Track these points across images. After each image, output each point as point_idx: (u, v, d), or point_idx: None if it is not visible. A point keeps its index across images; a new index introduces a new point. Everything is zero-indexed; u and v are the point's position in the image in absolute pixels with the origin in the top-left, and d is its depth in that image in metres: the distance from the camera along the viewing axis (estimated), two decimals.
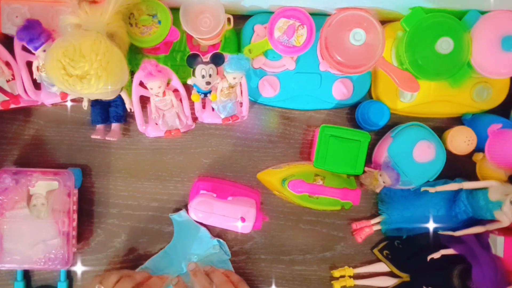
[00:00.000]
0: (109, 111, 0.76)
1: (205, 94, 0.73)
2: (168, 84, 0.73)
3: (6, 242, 0.74)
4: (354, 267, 0.83)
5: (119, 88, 0.71)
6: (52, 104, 0.77)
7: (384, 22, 0.79)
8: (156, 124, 0.75)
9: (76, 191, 0.78)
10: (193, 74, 0.70)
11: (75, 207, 0.77)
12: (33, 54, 0.71)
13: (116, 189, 0.81)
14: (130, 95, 0.73)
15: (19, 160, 0.80)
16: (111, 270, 0.67)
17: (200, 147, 0.82)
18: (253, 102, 0.81)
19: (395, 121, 0.81)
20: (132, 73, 0.74)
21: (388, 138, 0.80)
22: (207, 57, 0.69)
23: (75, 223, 0.77)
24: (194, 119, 0.78)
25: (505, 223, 0.73)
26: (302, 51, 0.74)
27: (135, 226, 0.82)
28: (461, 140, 0.78)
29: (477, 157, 0.80)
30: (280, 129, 0.83)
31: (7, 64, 0.72)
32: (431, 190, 0.76)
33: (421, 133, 0.78)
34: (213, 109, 0.76)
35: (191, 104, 0.75)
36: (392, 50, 0.78)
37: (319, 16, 0.75)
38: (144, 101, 0.75)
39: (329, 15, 0.75)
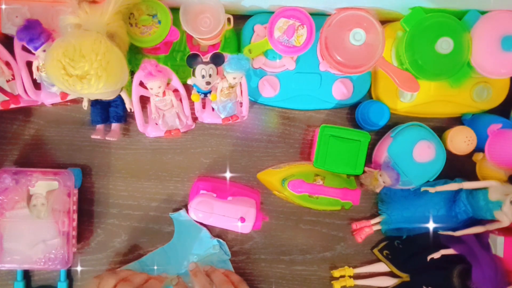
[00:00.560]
0: (109, 111, 0.76)
1: (205, 94, 0.73)
2: (168, 84, 0.73)
3: (6, 242, 0.74)
4: (354, 267, 0.83)
5: (119, 88, 0.71)
6: (52, 104, 0.77)
7: (384, 22, 0.79)
8: (156, 124, 0.75)
9: (76, 191, 0.78)
10: (193, 74, 0.70)
11: (75, 207, 0.77)
12: (33, 54, 0.71)
13: (116, 189, 0.81)
14: (130, 95, 0.73)
15: (19, 160, 0.80)
16: (110, 271, 0.67)
17: (200, 147, 0.82)
18: (253, 102, 0.81)
19: (395, 121, 0.81)
20: (132, 73, 0.74)
21: (388, 138, 0.80)
22: (207, 57, 0.69)
23: (75, 223, 0.77)
24: (194, 119, 0.78)
25: (505, 223, 0.73)
26: (302, 51, 0.74)
27: (135, 226, 0.82)
28: (461, 140, 0.78)
29: (477, 157, 0.80)
30: (280, 129, 0.83)
31: (7, 64, 0.72)
32: (431, 190, 0.76)
33: (421, 133, 0.78)
34: (213, 109, 0.76)
35: (191, 104, 0.75)
36: (392, 50, 0.78)
37: (319, 16, 0.75)
38: (144, 101, 0.75)
39: (329, 15, 0.75)
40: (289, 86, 0.80)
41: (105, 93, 0.69)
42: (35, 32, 0.68)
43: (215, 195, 0.77)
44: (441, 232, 0.78)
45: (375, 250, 0.83)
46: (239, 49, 0.79)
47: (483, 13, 0.74)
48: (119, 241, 0.82)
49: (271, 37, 0.74)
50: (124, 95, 0.74)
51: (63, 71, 0.62)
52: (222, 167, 0.82)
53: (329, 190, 0.78)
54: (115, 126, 0.77)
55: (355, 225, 0.83)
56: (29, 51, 0.71)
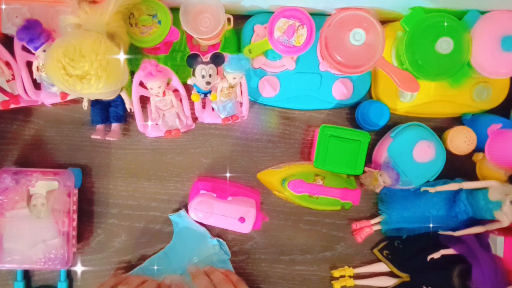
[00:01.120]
0: (109, 111, 0.76)
1: (205, 94, 0.73)
2: (168, 84, 0.73)
3: (6, 242, 0.74)
4: (354, 267, 0.83)
5: (119, 88, 0.71)
6: (52, 104, 0.77)
7: (384, 22, 0.79)
8: (156, 124, 0.75)
9: (76, 191, 0.78)
10: (193, 74, 0.70)
11: (75, 207, 0.77)
12: (33, 54, 0.71)
13: (116, 189, 0.81)
14: (130, 95, 0.73)
15: (19, 160, 0.80)
16: (104, 283, 0.67)
17: (200, 147, 0.82)
18: (253, 102, 0.81)
19: (395, 121, 0.81)
20: (132, 73, 0.74)
21: (388, 138, 0.80)
22: (207, 57, 0.69)
23: (75, 223, 0.77)
24: (194, 119, 0.78)
25: (505, 223, 0.73)
26: (302, 51, 0.74)
27: (135, 226, 0.82)
28: (461, 140, 0.78)
29: (477, 157, 0.80)
30: (280, 129, 0.83)
31: (7, 64, 0.72)
32: (431, 190, 0.76)
33: (421, 133, 0.78)
34: (213, 109, 0.76)
35: (191, 104, 0.75)
36: (392, 50, 0.78)
37: (319, 16, 0.75)
38: (144, 101, 0.75)
39: (329, 15, 0.75)
40: (289, 86, 0.80)
41: (105, 93, 0.69)
42: (35, 32, 0.68)
43: (215, 195, 0.77)
44: (441, 232, 0.78)
45: (375, 250, 0.83)
46: (239, 49, 0.79)
47: (483, 13, 0.74)
48: (119, 241, 0.82)
49: (271, 37, 0.74)
50: (124, 95, 0.74)
51: (63, 71, 0.62)
52: (222, 167, 0.82)
53: (329, 190, 0.78)
54: (115, 126, 0.77)
55: (355, 225, 0.83)
56: (29, 51, 0.71)
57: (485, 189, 0.75)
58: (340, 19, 0.72)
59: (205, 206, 0.76)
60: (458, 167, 0.81)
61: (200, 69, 0.69)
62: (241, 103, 0.76)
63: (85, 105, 0.73)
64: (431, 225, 0.79)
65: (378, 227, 0.82)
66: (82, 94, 0.67)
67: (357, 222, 0.83)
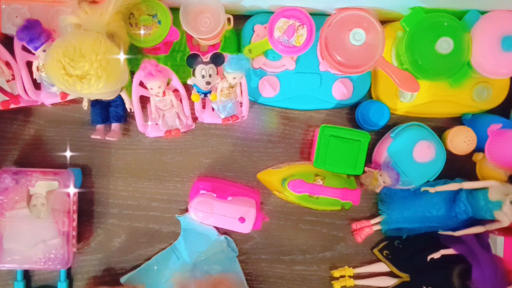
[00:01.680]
0: (109, 111, 0.76)
1: (205, 94, 0.73)
2: (168, 84, 0.73)
3: (6, 242, 0.74)
4: (354, 267, 0.83)
5: (119, 88, 0.71)
6: (52, 104, 0.77)
7: (384, 22, 0.79)
8: (156, 124, 0.75)
9: (76, 191, 0.78)
10: (193, 74, 0.70)
11: (75, 207, 0.77)
12: (33, 54, 0.71)
13: (116, 189, 0.81)
14: (130, 95, 0.73)
15: (19, 160, 0.80)
16: None
17: (200, 147, 0.82)
18: (253, 102, 0.81)
19: (395, 121, 0.81)
20: (132, 73, 0.74)
21: (388, 138, 0.80)
22: (207, 57, 0.69)
23: (75, 223, 0.77)
24: (194, 119, 0.78)
25: (505, 223, 0.73)
26: (302, 51, 0.74)
27: (135, 226, 0.82)
28: (461, 140, 0.78)
29: (477, 157, 0.80)
30: (280, 129, 0.83)
31: (7, 64, 0.72)
32: (431, 190, 0.76)
33: (421, 133, 0.78)
34: (213, 109, 0.76)
35: (191, 104, 0.75)
36: (392, 50, 0.78)
37: (319, 16, 0.75)
38: (144, 101, 0.75)
39: (329, 15, 0.75)
40: (289, 86, 0.80)
41: (105, 93, 0.69)
42: (35, 32, 0.68)
43: (215, 195, 0.77)
44: (441, 232, 0.78)
45: (375, 250, 0.83)
46: (239, 49, 0.79)
47: (483, 13, 0.74)
48: (119, 241, 0.82)
49: (271, 37, 0.74)
50: (124, 95, 0.74)
51: (63, 71, 0.62)
52: (222, 167, 0.82)
53: (329, 190, 0.78)
54: (115, 126, 0.77)
55: (355, 225, 0.83)
56: (29, 51, 0.71)
57: (485, 189, 0.75)
58: (340, 19, 0.72)
59: (205, 206, 0.76)
60: (458, 167, 0.81)
61: (200, 69, 0.69)
62: (241, 103, 0.76)
63: (85, 105, 0.73)
64: (431, 225, 0.79)
65: (378, 227, 0.82)
66: (82, 94, 0.67)
67: (357, 222, 0.83)
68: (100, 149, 0.81)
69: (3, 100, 0.72)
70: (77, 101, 0.79)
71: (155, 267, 0.80)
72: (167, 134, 0.75)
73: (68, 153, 0.80)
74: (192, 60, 0.69)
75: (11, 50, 0.72)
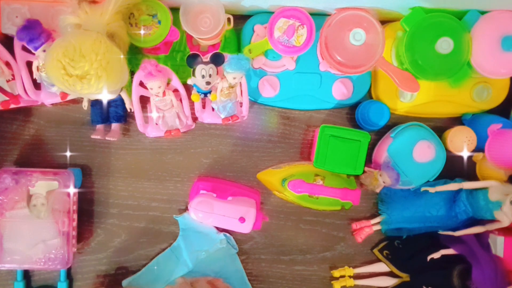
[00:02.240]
0: (109, 111, 0.76)
1: (205, 94, 0.73)
2: (168, 84, 0.73)
3: (6, 242, 0.74)
4: (354, 267, 0.83)
5: (119, 88, 0.71)
6: (52, 104, 0.77)
7: (384, 22, 0.79)
8: (156, 124, 0.75)
9: (76, 191, 0.78)
10: (193, 74, 0.70)
11: (75, 207, 0.77)
12: (33, 54, 0.71)
13: (116, 189, 0.81)
14: (130, 95, 0.73)
15: (19, 160, 0.80)
16: None
17: (200, 147, 0.82)
18: (253, 102, 0.81)
19: (395, 121, 0.81)
20: (132, 73, 0.74)
21: (388, 138, 0.80)
22: (207, 57, 0.69)
23: (75, 223, 0.77)
24: (194, 119, 0.78)
25: (505, 223, 0.73)
26: (302, 51, 0.74)
27: (135, 226, 0.82)
28: (461, 140, 0.78)
29: (477, 157, 0.80)
30: (280, 129, 0.83)
31: (7, 64, 0.72)
32: (431, 190, 0.76)
33: (421, 133, 0.78)
34: (213, 109, 0.76)
35: (191, 104, 0.75)
36: (392, 50, 0.78)
37: (319, 16, 0.75)
38: (144, 101, 0.75)
39: (329, 15, 0.75)
40: (289, 86, 0.80)
41: (105, 93, 0.68)
42: (35, 32, 0.68)
43: (215, 195, 0.77)
44: (441, 232, 0.78)
45: (375, 250, 0.83)
46: (239, 49, 0.79)
47: (483, 13, 0.74)
48: (119, 241, 0.82)
49: (271, 37, 0.74)
50: (124, 95, 0.74)
51: (63, 71, 0.62)
52: (222, 167, 0.82)
53: (329, 190, 0.78)
54: (115, 126, 0.77)
55: (355, 225, 0.83)
56: (29, 51, 0.71)
57: (485, 189, 0.75)
58: (340, 19, 0.72)
59: (205, 206, 0.76)
60: (458, 167, 0.81)
61: (200, 69, 0.69)
62: (241, 103, 0.76)
63: (85, 105, 0.73)
64: (431, 225, 0.79)
65: (378, 227, 0.82)
66: (82, 94, 0.67)
67: (357, 222, 0.83)
68: (100, 149, 0.81)
69: (3, 100, 0.72)
70: (77, 101, 0.79)
71: (155, 268, 0.80)
72: (167, 134, 0.75)
73: (68, 153, 0.80)
74: (192, 60, 0.69)
75: (11, 50, 0.72)
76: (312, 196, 0.78)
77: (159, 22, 0.72)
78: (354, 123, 0.82)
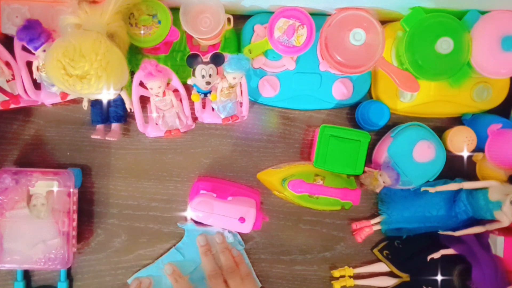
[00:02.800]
0: (109, 111, 0.76)
1: (205, 94, 0.73)
2: (168, 84, 0.73)
3: (6, 242, 0.74)
4: (354, 267, 0.83)
5: (119, 88, 0.71)
6: (52, 104, 0.77)
7: (384, 22, 0.79)
8: (156, 124, 0.75)
9: (76, 191, 0.78)
10: (193, 74, 0.70)
11: (75, 207, 0.77)
12: (33, 54, 0.71)
13: (116, 189, 0.81)
14: (130, 95, 0.73)
15: (19, 160, 0.80)
16: None
17: (200, 147, 0.82)
18: (253, 102, 0.81)
19: (395, 121, 0.81)
20: (132, 73, 0.74)
21: (388, 138, 0.80)
22: (207, 57, 0.69)
23: (75, 223, 0.77)
24: (194, 119, 0.78)
25: (505, 223, 0.73)
26: (302, 51, 0.74)
27: (135, 226, 0.82)
28: (461, 140, 0.78)
29: (477, 157, 0.80)
30: (280, 129, 0.83)
31: (7, 64, 0.72)
32: (431, 190, 0.76)
33: (421, 133, 0.78)
34: (213, 109, 0.76)
35: (191, 104, 0.75)
36: (392, 50, 0.78)
37: (319, 16, 0.75)
38: (144, 101, 0.75)
39: (329, 15, 0.75)
40: (289, 86, 0.80)
41: (105, 93, 0.68)
42: (35, 32, 0.68)
43: (215, 195, 0.77)
44: (441, 232, 0.78)
45: (375, 250, 0.83)
46: (239, 49, 0.79)
47: (483, 13, 0.74)
48: (119, 241, 0.82)
49: (271, 37, 0.74)
50: (124, 95, 0.74)
51: (63, 71, 0.62)
52: (222, 167, 0.82)
53: (329, 190, 0.78)
54: (115, 126, 0.77)
55: (355, 225, 0.83)
56: (29, 51, 0.71)
57: (485, 189, 0.75)
58: (340, 19, 0.72)
59: (205, 206, 0.76)
60: (458, 167, 0.81)
61: (200, 69, 0.69)
62: (241, 103, 0.76)
63: (85, 105, 0.73)
64: (431, 225, 0.79)
65: (378, 227, 0.82)
66: (82, 94, 0.67)
67: (357, 222, 0.83)
68: (100, 149, 0.81)
69: (3, 100, 0.72)
70: (77, 101, 0.79)
71: (162, 266, 0.80)
72: (167, 134, 0.75)
73: (68, 153, 0.80)
74: (192, 60, 0.69)
75: (11, 50, 0.72)
76: (312, 196, 0.78)
77: (159, 22, 0.72)
78: (354, 123, 0.82)
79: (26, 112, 0.80)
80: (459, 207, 0.77)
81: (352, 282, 0.82)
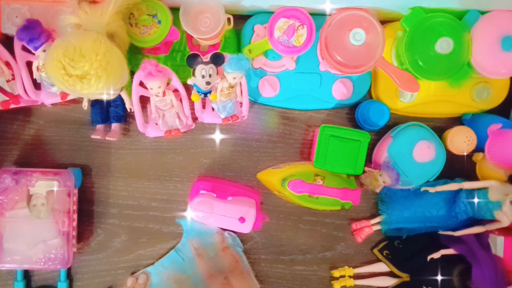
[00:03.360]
0: (109, 111, 0.76)
1: (205, 94, 0.73)
2: (168, 84, 0.73)
3: (6, 242, 0.74)
4: (354, 267, 0.83)
5: (119, 88, 0.71)
6: (52, 104, 0.77)
7: (384, 22, 0.79)
8: (156, 124, 0.75)
9: (76, 191, 0.78)
10: (193, 74, 0.70)
11: (75, 207, 0.77)
12: (33, 54, 0.71)
13: (116, 189, 0.81)
14: (130, 95, 0.73)
15: (19, 160, 0.80)
16: None
17: (200, 147, 0.82)
18: (253, 102, 0.81)
19: (395, 121, 0.81)
20: (132, 73, 0.74)
21: (388, 138, 0.80)
22: (207, 57, 0.69)
23: (75, 223, 0.77)
24: (194, 119, 0.78)
25: (505, 223, 0.73)
26: (302, 51, 0.74)
27: (135, 226, 0.82)
28: (461, 140, 0.78)
29: (477, 157, 0.80)
30: (280, 129, 0.83)
31: (7, 64, 0.72)
32: (431, 190, 0.76)
33: (421, 133, 0.78)
34: (213, 109, 0.76)
35: (191, 104, 0.75)
36: (392, 50, 0.78)
37: (319, 16, 0.75)
38: (144, 101, 0.75)
39: (329, 15, 0.75)
40: (289, 86, 0.80)
41: (105, 93, 0.68)
42: (35, 32, 0.68)
43: (215, 195, 0.77)
44: (441, 232, 0.78)
45: (375, 250, 0.83)
46: (239, 49, 0.79)
47: (483, 13, 0.74)
48: (119, 241, 0.81)
49: (271, 37, 0.74)
50: (124, 95, 0.74)
51: (63, 71, 0.62)
52: (222, 167, 0.82)
53: (329, 190, 0.78)
54: (115, 126, 0.77)
55: (355, 225, 0.83)
56: (29, 51, 0.71)
57: (485, 189, 0.75)
58: (340, 19, 0.72)
59: (205, 206, 0.76)
60: (458, 167, 0.81)
61: (200, 69, 0.69)
62: (241, 103, 0.76)
63: (85, 105, 0.73)
64: (431, 225, 0.79)
65: (378, 227, 0.82)
66: (82, 94, 0.67)
67: (357, 222, 0.83)
68: (100, 149, 0.81)
69: (3, 100, 0.72)
70: (77, 101, 0.79)
71: (161, 268, 0.80)
72: (167, 134, 0.75)
73: (68, 153, 0.80)
74: (192, 60, 0.69)
75: (11, 50, 0.72)
76: (312, 196, 0.78)
77: (159, 22, 0.72)
78: (354, 123, 0.82)
79: (26, 112, 0.80)
80: (459, 207, 0.77)
81: (352, 282, 0.82)
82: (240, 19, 0.79)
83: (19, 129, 0.80)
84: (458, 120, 0.83)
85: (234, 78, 0.71)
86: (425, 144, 0.77)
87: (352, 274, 0.82)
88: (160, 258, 0.81)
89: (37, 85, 0.74)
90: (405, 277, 0.80)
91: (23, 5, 0.72)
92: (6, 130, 0.80)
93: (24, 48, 0.72)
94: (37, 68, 0.72)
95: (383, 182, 0.76)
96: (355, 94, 0.81)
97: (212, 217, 0.76)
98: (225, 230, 0.80)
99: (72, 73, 0.62)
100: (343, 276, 0.82)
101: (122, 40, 0.69)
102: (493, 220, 0.75)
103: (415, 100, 0.80)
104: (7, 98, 0.73)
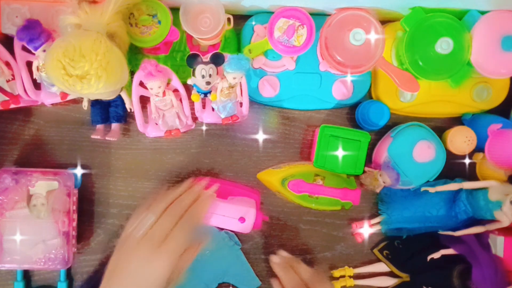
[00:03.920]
0: (109, 111, 0.76)
1: (205, 94, 0.73)
2: (168, 84, 0.73)
3: (6, 242, 0.74)
4: (354, 267, 0.83)
5: (119, 88, 0.71)
6: (52, 104, 0.77)
7: (384, 22, 0.79)
8: (156, 124, 0.75)
9: (76, 191, 0.78)
10: (193, 74, 0.70)
11: (75, 207, 0.77)
12: (33, 54, 0.71)
13: (116, 189, 0.81)
14: (130, 95, 0.73)
15: (19, 160, 0.80)
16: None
17: (200, 147, 0.82)
18: (253, 102, 0.81)
19: (395, 121, 0.81)
20: (132, 73, 0.74)
21: (388, 138, 0.80)
22: (207, 57, 0.69)
23: (75, 223, 0.77)
24: (194, 119, 0.78)
25: (505, 223, 0.73)
26: (302, 51, 0.74)
27: None
28: (461, 140, 0.78)
29: (477, 157, 0.80)
30: (280, 129, 0.83)
31: (7, 64, 0.72)
32: (431, 190, 0.76)
33: (421, 133, 0.78)
34: (213, 109, 0.76)
35: (191, 104, 0.75)
36: (392, 50, 0.78)
37: (319, 16, 0.75)
38: (144, 101, 0.75)
39: (329, 15, 0.75)
40: (289, 86, 0.80)
41: (105, 93, 0.69)
42: (35, 32, 0.68)
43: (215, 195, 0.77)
44: (441, 232, 0.78)
45: (375, 250, 0.83)
46: (239, 49, 0.79)
47: (483, 13, 0.74)
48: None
49: (271, 37, 0.74)
50: (124, 95, 0.74)
51: (63, 71, 0.62)
52: (222, 167, 0.82)
53: (329, 190, 0.78)
54: (115, 126, 0.77)
55: (355, 225, 0.83)
56: (29, 51, 0.71)
57: (485, 189, 0.75)
58: (340, 19, 0.72)
59: None
60: (458, 167, 0.81)
61: (200, 69, 0.69)
62: (241, 103, 0.76)
63: (85, 105, 0.73)
64: (431, 225, 0.79)
65: (378, 227, 0.82)
66: (82, 94, 0.67)
67: (357, 222, 0.83)
68: (100, 149, 0.81)
69: (3, 100, 0.72)
70: (77, 101, 0.79)
71: None
72: (167, 134, 0.75)
73: (68, 153, 0.80)
74: (192, 60, 0.69)
75: (11, 50, 0.72)
76: (312, 196, 0.78)
77: (159, 22, 0.72)
78: (354, 123, 0.82)
79: (26, 112, 0.80)
80: (459, 207, 0.77)
81: (352, 282, 0.82)
82: (240, 19, 0.79)
83: (19, 129, 0.80)
84: (458, 120, 0.83)
85: (234, 78, 0.71)
86: (425, 144, 0.77)
87: (352, 274, 0.82)
88: None
89: (37, 85, 0.74)
90: (405, 277, 0.80)
91: (23, 5, 0.72)
92: (6, 130, 0.80)
93: (24, 48, 0.72)
94: (37, 68, 0.72)
95: (383, 182, 0.76)
96: (355, 94, 0.81)
97: (212, 217, 0.76)
98: (222, 230, 0.80)
99: (72, 73, 0.62)
100: (343, 276, 0.82)
101: (122, 40, 0.69)
102: (493, 220, 0.75)
103: (415, 100, 0.80)
104: (7, 98, 0.73)
